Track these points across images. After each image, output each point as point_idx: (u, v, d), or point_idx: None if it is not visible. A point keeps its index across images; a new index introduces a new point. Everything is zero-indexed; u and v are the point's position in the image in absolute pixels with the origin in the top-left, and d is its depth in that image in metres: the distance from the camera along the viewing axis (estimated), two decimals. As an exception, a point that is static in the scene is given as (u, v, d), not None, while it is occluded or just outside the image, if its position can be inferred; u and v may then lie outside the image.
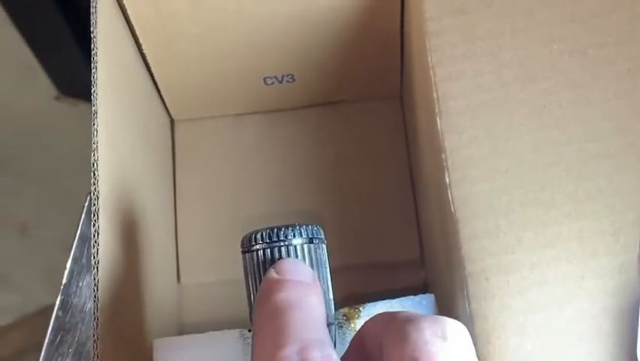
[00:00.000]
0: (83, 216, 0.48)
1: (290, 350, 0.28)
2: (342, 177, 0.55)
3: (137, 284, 0.44)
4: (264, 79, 0.53)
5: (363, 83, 0.55)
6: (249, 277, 0.35)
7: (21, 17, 1.17)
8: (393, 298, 0.40)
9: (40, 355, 0.46)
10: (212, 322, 0.52)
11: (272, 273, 0.33)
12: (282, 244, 0.35)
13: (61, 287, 0.46)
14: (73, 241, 0.48)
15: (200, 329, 0.51)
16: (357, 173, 0.55)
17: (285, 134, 0.56)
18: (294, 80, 0.53)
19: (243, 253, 0.36)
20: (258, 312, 0.32)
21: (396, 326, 0.29)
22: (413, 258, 0.53)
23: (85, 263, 0.48)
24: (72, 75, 1.27)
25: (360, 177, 0.55)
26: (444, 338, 0.28)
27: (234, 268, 0.52)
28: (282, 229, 0.35)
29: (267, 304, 0.31)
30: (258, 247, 0.35)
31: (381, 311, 0.38)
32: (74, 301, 0.47)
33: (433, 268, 0.49)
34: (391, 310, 0.39)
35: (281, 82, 0.53)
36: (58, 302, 0.46)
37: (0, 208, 1.28)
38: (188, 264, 0.54)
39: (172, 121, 0.57)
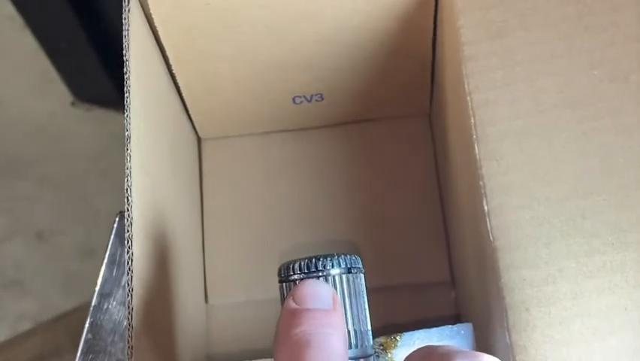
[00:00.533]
0: (112, 236, 0.48)
1: None
2: (371, 197, 0.54)
3: (169, 309, 0.44)
4: (293, 98, 0.53)
5: (392, 102, 0.55)
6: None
7: (37, 24, 1.17)
8: (430, 327, 0.39)
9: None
10: (240, 343, 0.51)
11: (290, 302, 0.33)
12: (320, 274, 0.35)
13: (91, 309, 0.46)
14: (102, 263, 0.47)
15: (228, 350, 0.51)
16: (386, 192, 0.54)
17: (313, 152, 0.56)
18: (322, 99, 0.53)
19: (280, 282, 0.36)
20: (277, 349, 0.31)
21: None
22: (443, 279, 0.53)
23: (115, 283, 0.47)
24: (88, 81, 1.28)
25: (388, 197, 0.54)
26: None
27: (262, 288, 0.53)
28: (321, 259, 0.35)
29: (285, 341, 0.31)
30: (295, 277, 0.35)
31: (418, 340, 0.38)
32: (104, 323, 0.46)
33: (465, 291, 0.49)
34: (429, 340, 0.39)
35: (310, 101, 0.53)
36: (87, 324, 0.46)
37: (17, 214, 1.28)
38: (216, 285, 0.54)
39: (199, 139, 0.57)
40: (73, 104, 1.35)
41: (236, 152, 0.56)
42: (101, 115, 1.33)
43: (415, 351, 0.32)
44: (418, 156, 0.55)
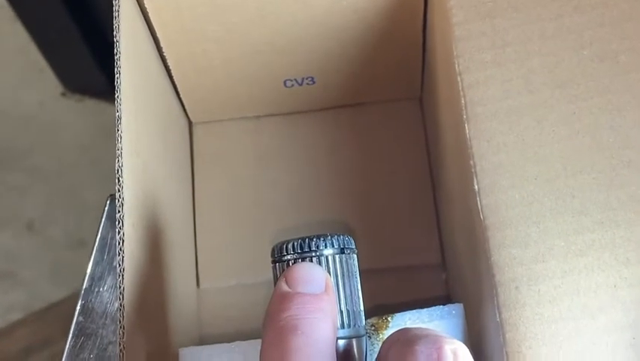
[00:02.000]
0: (104, 219, 0.48)
1: None
2: (362, 180, 0.54)
3: (161, 291, 0.44)
4: (284, 81, 0.53)
5: (383, 84, 0.55)
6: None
7: (28, 14, 1.16)
8: (421, 307, 0.39)
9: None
10: (232, 326, 0.51)
11: (282, 285, 0.33)
12: (313, 254, 0.35)
13: (82, 292, 0.46)
14: (94, 245, 0.47)
15: (220, 333, 0.52)
16: (377, 176, 0.54)
17: (304, 136, 0.56)
18: (314, 82, 0.53)
19: (274, 262, 0.36)
20: (265, 332, 0.32)
21: (396, 351, 0.30)
22: (434, 262, 0.53)
23: (105, 267, 0.47)
24: (78, 71, 1.27)
25: (380, 180, 0.54)
26: None
27: (254, 272, 0.53)
28: (314, 239, 0.35)
29: (273, 325, 0.31)
30: (288, 257, 0.35)
31: (409, 321, 0.38)
32: (95, 305, 0.46)
33: (455, 273, 0.49)
34: (420, 320, 0.39)
35: (301, 84, 0.53)
36: (78, 307, 0.46)
37: (7, 205, 1.28)
38: (208, 268, 0.54)
39: (190, 123, 0.57)
40: (63, 94, 1.34)
41: (228, 136, 0.56)
42: (91, 105, 1.33)
43: (387, 337, 0.32)
44: (410, 139, 0.55)
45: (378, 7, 0.47)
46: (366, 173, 0.55)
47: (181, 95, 0.53)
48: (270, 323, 0.32)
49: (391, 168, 0.54)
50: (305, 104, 0.56)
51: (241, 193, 0.55)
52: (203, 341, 0.51)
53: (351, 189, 0.54)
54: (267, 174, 0.55)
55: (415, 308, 0.40)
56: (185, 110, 0.55)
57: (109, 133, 1.28)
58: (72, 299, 1.12)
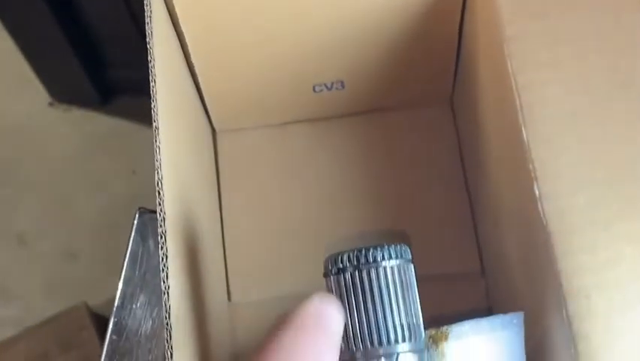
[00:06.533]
0: (133, 233, 0.46)
1: None
2: (395, 187, 0.53)
3: (199, 307, 0.42)
4: (314, 87, 0.51)
5: (414, 88, 0.53)
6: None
7: (14, 24, 1.15)
8: (478, 317, 0.38)
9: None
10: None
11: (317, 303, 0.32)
12: (371, 266, 0.33)
13: (114, 309, 0.44)
14: (124, 261, 0.45)
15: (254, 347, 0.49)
16: (410, 182, 0.53)
17: (333, 143, 0.54)
18: (343, 87, 0.51)
19: (327, 275, 0.34)
20: (272, 332, 0.31)
21: None
22: (472, 269, 0.51)
23: (138, 283, 0.45)
24: (65, 81, 1.26)
25: (412, 187, 0.53)
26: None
27: (285, 284, 0.51)
28: (371, 250, 0.33)
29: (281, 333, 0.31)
30: (345, 269, 0.33)
31: (470, 331, 0.37)
32: (129, 323, 0.44)
33: (500, 282, 0.47)
34: (479, 330, 0.37)
35: (330, 89, 0.51)
36: (111, 325, 0.44)
37: (-2, 219, 1.27)
38: (238, 282, 0.52)
39: (214, 132, 0.55)
40: (51, 104, 1.33)
41: (254, 144, 0.54)
42: (79, 115, 1.31)
43: None
44: (442, 143, 0.54)
45: (412, 8, 0.45)
46: (398, 179, 0.53)
47: (206, 103, 0.51)
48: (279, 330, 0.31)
49: (424, 174, 0.53)
50: (334, 109, 0.54)
51: (269, 203, 0.53)
52: (236, 356, 0.49)
53: (384, 197, 0.53)
54: (295, 183, 0.53)
55: (465, 318, 0.38)
56: (209, 118, 0.53)
57: (98, 143, 1.26)
58: (67, 313, 1.10)
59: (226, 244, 0.52)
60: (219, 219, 0.53)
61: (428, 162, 0.53)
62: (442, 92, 0.54)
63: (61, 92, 1.31)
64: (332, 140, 0.54)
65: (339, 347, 0.32)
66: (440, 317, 0.41)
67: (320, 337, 0.31)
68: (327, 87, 0.51)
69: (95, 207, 1.24)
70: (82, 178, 1.27)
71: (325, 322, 0.31)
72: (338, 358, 0.31)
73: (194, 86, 0.49)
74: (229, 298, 0.51)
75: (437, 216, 0.52)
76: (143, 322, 0.44)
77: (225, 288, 0.51)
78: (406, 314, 0.34)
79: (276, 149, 0.54)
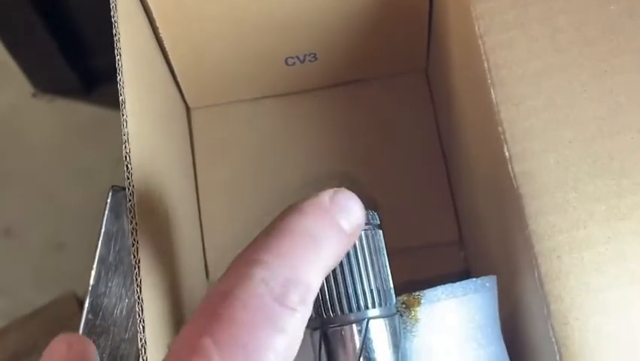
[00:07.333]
0: (107, 212, 0.46)
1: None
2: (371, 160, 0.52)
3: (174, 283, 0.41)
4: (286, 59, 0.50)
5: (388, 58, 0.53)
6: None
7: (-7, 14, 1.14)
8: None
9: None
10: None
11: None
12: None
13: (89, 288, 0.43)
14: (98, 240, 0.45)
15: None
16: (387, 154, 0.52)
17: (308, 116, 0.53)
18: (316, 59, 0.51)
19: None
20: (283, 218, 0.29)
21: None
22: (451, 239, 0.51)
23: (112, 262, 0.45)
24: (48, 71, 1.24)
25: (389, 158, 0.52)
26: None
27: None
28: None
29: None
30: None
31: (443, 295, 0.36)
32: (105, 302, 0.44)
33: (478, 248, 0.47)
34: (453, 294, 0.37)
35: (303, 62, 0.51)
36: (87, 305, 0.44)
37: (-18, 212, 1.26)
38: (216, 259, 0.51)
39: (187, 109, 0.54)
40: (34, 95, 1.32)
41: (228, 120, 0.54)
42: (63, 106, 1.30)
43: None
44: (417, 112, 0.53)
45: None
46: (374, 152, 0.53)
47: (178, 78, 0.51)
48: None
49: (401, 145, 0.53)
50: (308, 82, 0.53)
51: (246, 179, 0.53)
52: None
53: (361, 170, 0.52)
54: (271, 158, 0.53)
55: (436, 285, 0.38)
56: (182, 94, 0.53)
57: (82, 133, 1.25)
58: (56, 304, 1.10)
59: (203, 222, 0.52)
60: (195, 196, 0.52)
61: (404, 133, 0.53)
62: (416, 61, 0.53)
63: (44, 83, 1.30)
64: (307, 113, 0.54)
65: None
66: (418, 285, 0.41)
67: (334, 225, 0.29)
68: (299, 59, 0.51)
69: (80, 197, 1.24)
70: (67, 168, 1.26)
71: (342, 209, 0.29)
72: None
73: (164, 62, 0.49)
74: (207, 276, 0.51)
75: (415, 187, 0.52)
76: (118, 301, 0.44)
77: (203, 266, 0.51)
78: (375, 279, 0.33)
79: (251, 125, 0.54)
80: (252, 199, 0.52)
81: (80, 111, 1.27)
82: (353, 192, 0.30)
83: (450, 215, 0.51)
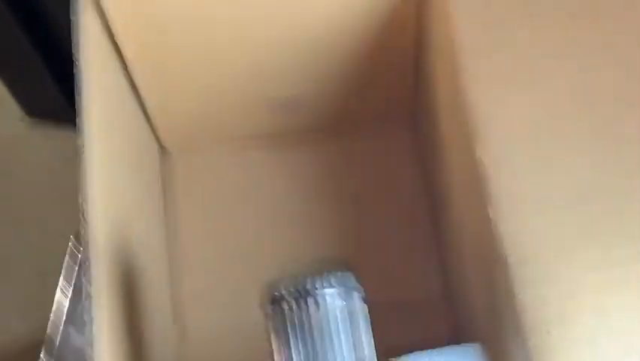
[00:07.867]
0: (67, 259, 0.43)
1: None
2: (355, 210, 0.50)
3: (137, 336, 0.39)
4: (268, 104, 0.48)
5: (374, 105, 0.51)
6: (276, 332, 0.31)
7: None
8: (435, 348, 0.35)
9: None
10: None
11: None
12: (309, 296, 0.31)
13: (46, 337, 0.40)
14: (56, 288, 0.42)
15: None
16: (372, 205, 0.50)
17: (290, 163, 0.51)
18: (299, 103, 0.49)
19: (266, 305, 0.31)
20: None
21: None
22: (435, 296, 0.48)
23: (71, 311, 0.42)
24: (38, 96, 1.23)
25: (374, 210, 0.50)
26: None
27: (238, 312, 0.48)
28: (309, 280, 0.31)
29: None
30: (283, 299, 0.30)
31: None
32: (65, 352, 0.41)
33: (464, 309, 0.44)
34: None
35: (285, 106, 0.48)
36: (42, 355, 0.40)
37: (-29, 241, 1.23)
38: (186, 309, 0.48)
39: (162, 151, 0.52)
40: (22, 120, 1.30)
41: (206, 164, 0.51)
42: (53, 132, 1.28)
43: None
44: (403, 165, 0.51)
45: (369, 22, 0.43)
46: (358, 203, 0.50)
47: (152, 121, 0.48)
48: None
49: (386, 197, 0.50)
50: (291, 127, 0.51)
51: (222, 228, 0.50)
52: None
53: (344, 220, 0.50)
54: (251, 207, 0.51)
55: (422, 349, 0.35)
56: (156, 136, 0.50)
57: (72, 160, 1.23)
58: (40, 332, 1.07)
59: (173, 271, 0.49)
60: (165, 242, 0.49)
61: (390, 184, 0.50)
62: (403, 110, 0.51)
63: (34, 109, 1.29)
64: (289, 160, 0.51)
65: None
66: (402, 343, 0.38)
67: None
68: (281, 104, 0.48)
69: (68, 227, 1.21)
70: (56, 196, 1.24)
71: None
72: None
73: (137, 102, 0.46)
74: (177, 323, 0.48)
75: (399, 240, 0.49)
76: (79, 349, 0.41)
77: (171, 314, 0.48)
78: (354, 347, 0.31)
79: (230, 169, 0.51)
80: (228, 248, 0.50)
81: (71, 138, 1.25)
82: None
83: (435, 272, 0.49)
